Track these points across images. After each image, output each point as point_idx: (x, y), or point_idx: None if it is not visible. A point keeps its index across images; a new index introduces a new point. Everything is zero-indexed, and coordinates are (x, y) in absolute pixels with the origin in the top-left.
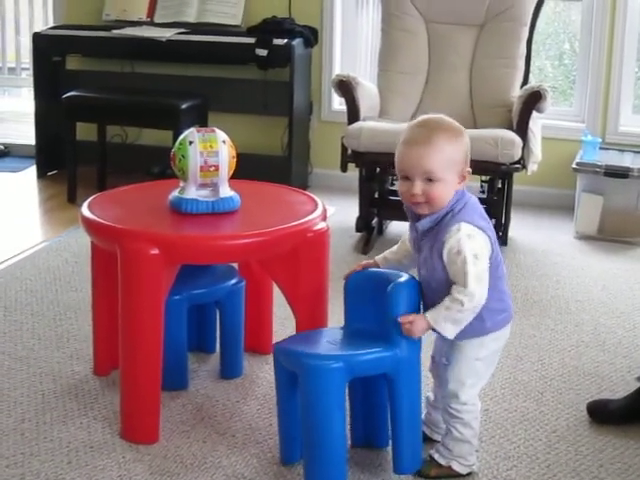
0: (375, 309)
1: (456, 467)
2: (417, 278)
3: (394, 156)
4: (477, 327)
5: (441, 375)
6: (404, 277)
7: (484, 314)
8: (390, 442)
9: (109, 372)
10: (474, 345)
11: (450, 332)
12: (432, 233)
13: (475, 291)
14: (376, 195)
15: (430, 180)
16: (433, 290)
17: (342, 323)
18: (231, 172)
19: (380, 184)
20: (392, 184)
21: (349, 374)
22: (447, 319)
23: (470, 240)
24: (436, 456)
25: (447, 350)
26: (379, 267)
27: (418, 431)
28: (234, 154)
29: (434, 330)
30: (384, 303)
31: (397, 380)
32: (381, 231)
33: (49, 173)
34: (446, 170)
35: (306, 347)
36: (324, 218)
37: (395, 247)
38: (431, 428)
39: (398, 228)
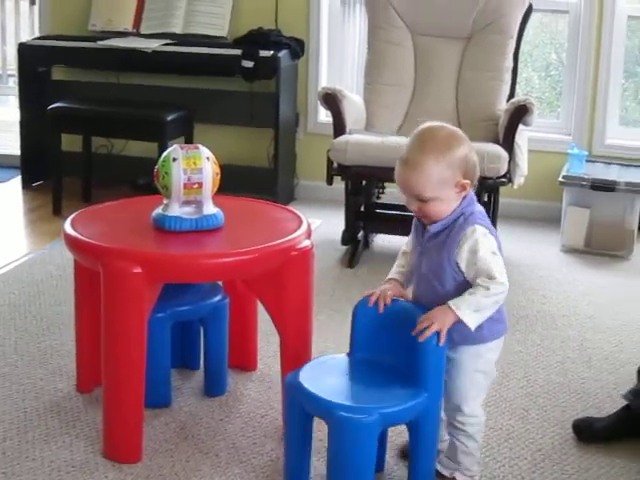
0: (394, 342)
1: (460, 478)
2: (413, 286)
3: (380, 170)
4: (475, 335)
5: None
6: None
7: (483, 322)
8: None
9: (92, 389)
10: (471, 356)
11: (471, 320)
12: (442, 236)
13: (497, 278)
14: (362, 208)
15: (423, 200)
16: (433, 288)
17: (326, 338)
18: (215, 189)
19: (366, 197)
20: (378, 197)
21: (382, 425)
22: (470, 305)
23: (486, 239)
24: (439, 467)
25: (447, 365)
26: (403, 287)
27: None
28: (218, 171)
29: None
30: (412, 345)
31: (422, 425)
32: (367, 244)
33: (34, 184)
34: (437, 190)
35: (331, 391)
36: (309, 235)
37: (398, 261)
38: None
39: (384, 241)
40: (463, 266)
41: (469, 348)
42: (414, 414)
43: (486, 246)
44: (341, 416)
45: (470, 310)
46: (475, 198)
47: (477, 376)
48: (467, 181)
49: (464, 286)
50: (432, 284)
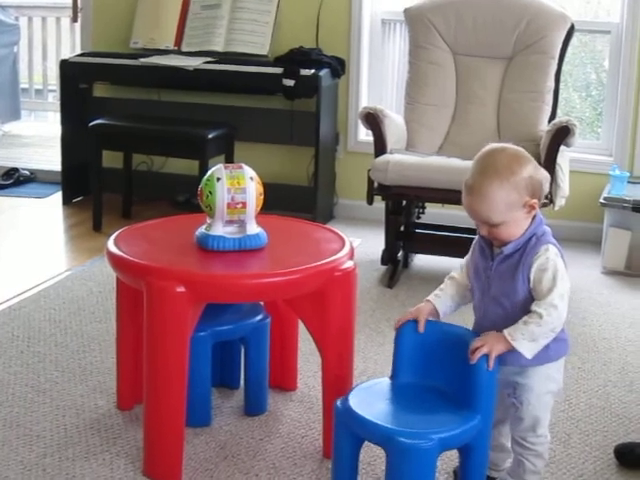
0: (440, 365)
1: None
2: (476, 310)
3: (421, 190)
4: (541, 355)
5: (511, 414)
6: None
7: (550, 343)
8: None
9: (132, 406)
10: (542, 379)
11: (527, 350)
12: (515, 257)
13: (556, 306)
14: (402, 228)
15: (492, 225)
16: (504, 311)
17: (365, 358)
18: (258, 209)
19: (406, 217)
20: (418, 217)
21: (440, 450)
22: (525, 335)
23: (557, 259)
24: None
25: (515, 391)
26: (436, 310)
27: None
28: (261, 191)
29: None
30: (464, 368)
31: (474, 448)
32: (407, 264)
33: (74, 200)
34: (504, 214)
35: (386, 417)
36: (351, 256)
37: (442, 285)
38: (489, 467)
39: (423, 262)
40: (532, 284)
41: (538, 371)
42: (469, 437)
43: (555, 267)
44: (401, 442)
45: (526, 340)
46: (543, 218)
47: (547, 398)
48: (535, 201)
49: None
50: (503, 306)
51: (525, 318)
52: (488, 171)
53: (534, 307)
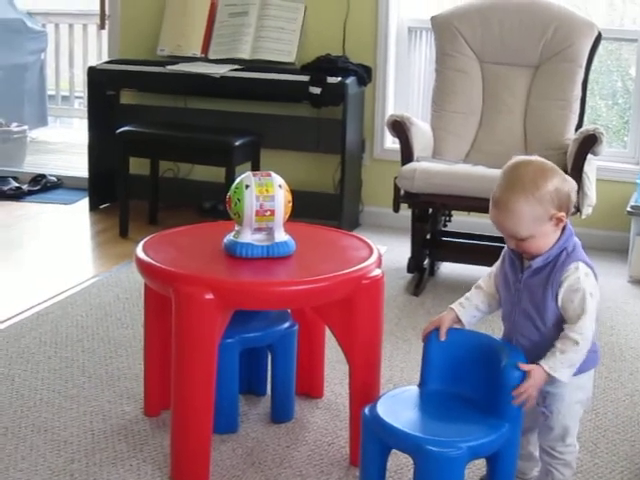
0: (468, 373)
1: None
2: (505, 321)
3: (448, 197)
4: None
5: (540, 423)
6: (510, 349)
7: None
8: None
9: (159, 413)
10: (573, 389)
11: (567, 376)
12: (545, 271)
13: (589, 328)
14: (428, 236)
15: (520, 239)
16: (533, 323)
17: (392, 366)
18: (286, 216)
19: (433, 225)
20: (445, 225)
21: (469, 459)
22: (564, 364)
23: (587, 279)
24: None
25: (545, 400)
26: (459, 318)
27: None
28: (290, 198)
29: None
30: (493, 376)
31: (503, 457)
32: (433, 272)
33: (101, 206)
34: (531, 228)
35: (414, 425)
36: (379, 264)
37: (468, 294)
38: (517, 476)
39: (450, 269)
40: (560, 302)
41: (570, 381)
42: (497, 446)
43: (586, 287)
44: (431, 451)
45: (565, 369)
46: (573, 230)
47: (577, 407)
48: (562, 214)
49: (563, 322)
50: (532, 319)
51: (560, 346)
52: (515, 186)
53: (569, 333)
